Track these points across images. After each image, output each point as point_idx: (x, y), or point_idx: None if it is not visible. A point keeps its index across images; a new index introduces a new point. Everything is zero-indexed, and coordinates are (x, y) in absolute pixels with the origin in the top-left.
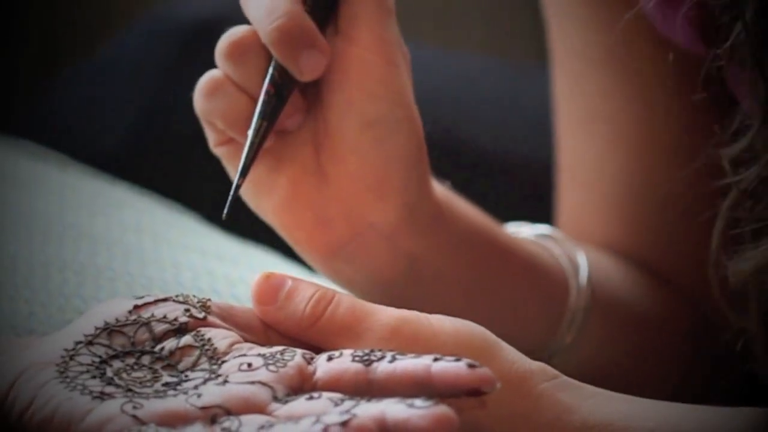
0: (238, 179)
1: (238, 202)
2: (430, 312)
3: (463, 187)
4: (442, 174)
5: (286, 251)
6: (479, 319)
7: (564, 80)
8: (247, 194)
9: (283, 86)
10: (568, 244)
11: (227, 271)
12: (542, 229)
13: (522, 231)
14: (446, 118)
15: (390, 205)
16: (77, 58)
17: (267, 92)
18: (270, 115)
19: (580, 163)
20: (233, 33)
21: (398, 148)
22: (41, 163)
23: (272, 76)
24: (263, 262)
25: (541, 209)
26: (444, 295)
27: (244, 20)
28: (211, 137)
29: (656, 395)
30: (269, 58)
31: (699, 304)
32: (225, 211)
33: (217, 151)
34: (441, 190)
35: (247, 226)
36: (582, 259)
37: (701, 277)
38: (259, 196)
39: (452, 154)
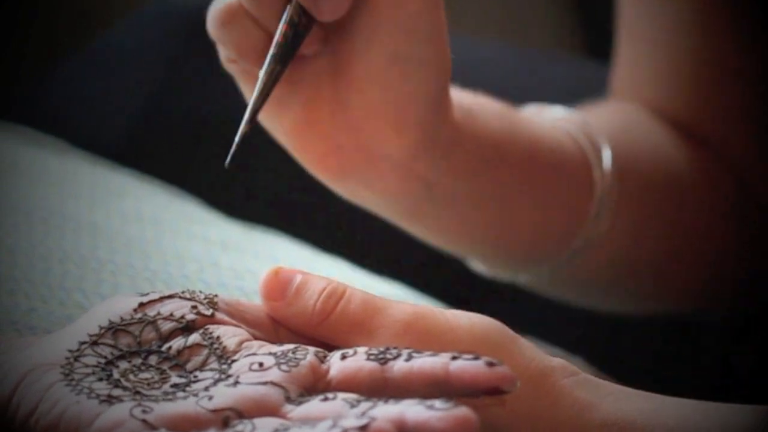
0: (245, 126)
1: (240, 187)
2: (449, 229)
3: None
4: None
5: (293, 234)
6: (501, 230)
7: None
8: (261, 114)
9: (300, 27)
10: (590, 128)
11: (233, 261)
12: (563, 112)
13: (543, 113)
14: None
15: (407, 138)
16: (81, 44)
17: (282, 34)
18: (283, 58)
19: (643, 18)
20: None
21: (424, 85)
22: (39, 149)
23: (289, 15)
24: (270, 248)
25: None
26: (463, 212)
27: None
28: (223, 53)
29: (689, 294)
30: None
31: (745, 177)
32: (228, 158)
33: (229, 67)
34: (459, 104)
35: (252, 211)
36: (605, 148)
37: (751, 148)
38: (273, 116)
39: None
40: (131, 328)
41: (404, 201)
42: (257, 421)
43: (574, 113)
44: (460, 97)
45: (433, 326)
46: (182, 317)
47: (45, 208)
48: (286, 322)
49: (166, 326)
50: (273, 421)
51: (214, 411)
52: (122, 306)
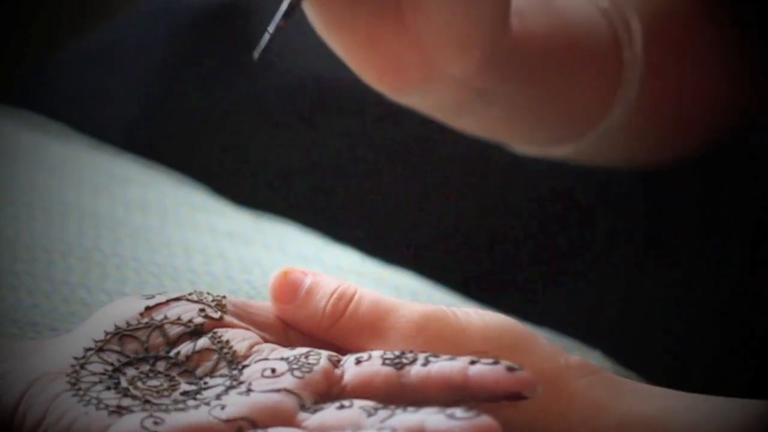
0: (281, 20)
1: (249, 174)
2: (494, 122)
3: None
4: None
5: (302, 223)
6: (543, 117)
7: None
8: (318, 25)
9: None
10: (622, 3)
11: (241, 253)
12: None
13: None
14: None
15: (471, 58)
16: (87, 28)
17: None
18: None
19: None
20: None
21: (489, 7)
22: (41, 134)
23: None
24: (279, 238)
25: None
26: (510, 108)
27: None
28: None
29: (705, 138)
30: None
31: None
32: (257, 51)
33: None
34: (513, 8)
35: (261, 199)
36: (635, 22)
37: None
38: (331, 29)
39: None
40: (138, 333)
41: (456, 106)
42: (272, 430)
43: None
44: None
45: (445, 327)
46: (190, 321)
47: (46, 196)
48: (297, 325)
49: (174, 330)
50: (288, 431)
51: (228, 421)
52: (128, 309)
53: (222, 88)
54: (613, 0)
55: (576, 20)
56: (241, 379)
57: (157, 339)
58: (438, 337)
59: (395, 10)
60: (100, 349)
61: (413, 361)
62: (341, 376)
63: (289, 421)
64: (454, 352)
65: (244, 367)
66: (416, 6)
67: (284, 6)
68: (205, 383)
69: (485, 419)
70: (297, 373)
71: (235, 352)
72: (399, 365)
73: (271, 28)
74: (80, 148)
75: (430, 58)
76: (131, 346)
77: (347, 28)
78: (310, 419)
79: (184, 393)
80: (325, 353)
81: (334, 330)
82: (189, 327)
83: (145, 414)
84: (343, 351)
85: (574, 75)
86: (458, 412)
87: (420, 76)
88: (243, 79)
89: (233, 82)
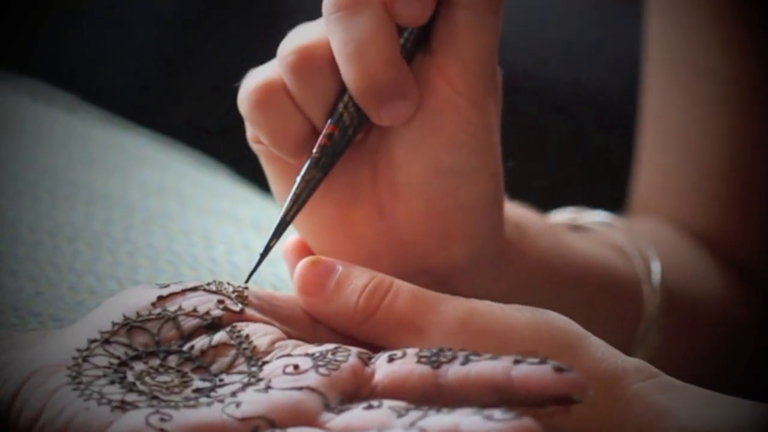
0: (271, 240)
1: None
2: None
3: (544, 129)
4: (522, 116)
5: None
6: None
7: (662, 26)
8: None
9: (351, 129)
10: (639, 239)
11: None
12: (602, 216)
13: (582, 217)
14: (528, 59)
15: (452, 254)
16: None
17: (327, 135)
18: (326, 164)
19: (672, 124)
20: (305, 39)
21: (472, 198)
22: (46, 105)
23: (339, 115)
24: None
25: (624, 153)
26: None
27: None
28: (251, 132)
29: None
30: (341, 81)
31: None
32: (247, 278)
33: (255, 148)
34: (511, 220)
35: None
36: (655, 261)
37: None
38: (300, 213)
39: (533, 96)
40: (148, 325)
41: None
42: (291, 431)
43: (619, 220)
44: (508, 210)
45: (491, 324)
46: (207, 313)
47: (52, 175)
48: (325, 320)
49: (189, 323)
50: None
51: (243, 420)
52: (138, 299)
53: (241, 51)
54: (629, 236)
55: (586, 251)
56: (260, 376)
57: (169, 332)
58: (483, 335)
59: (370, 193)
60: (106, 341)
61: (452, 360)
62: (371, 375)
63: (311, 421)
64: (500, 351)
65: (265, 363)
66: (395, 193)
67: (275, 226)
68: (221, 380)
69: (526, 421)
70: (322, 370)
71: (255, 347)
72: (436, 364)
73: (262, 251)
74: (90, 121)
75: (406, 249)
76: (141, 339)
77: (315, 211)
78: (335, 420)
79: (197, 390)
80: (354, 350)
81: (367, 326)
82: (205, 320)
83: (151, 410)
84: (376, 349)
85: (582, 306)
86: (497, 413)
87: (395, 269)
88: (264, 41)
89: (252, 45)
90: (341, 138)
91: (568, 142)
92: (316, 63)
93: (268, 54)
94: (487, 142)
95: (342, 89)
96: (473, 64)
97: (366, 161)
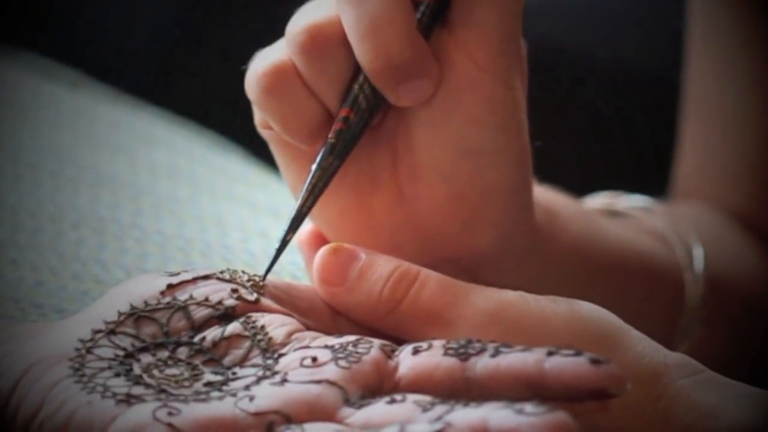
0: (287, 233)
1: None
2: None
3: (578, 107)
4: (546, 86)
5: None
6: None
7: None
8: (296, 193)
9: (368, 112)
10: (680, 224)
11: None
12: (641, 201)
13: (619, 202)
14: (554, 28)
15: (478, 241)
16: None
17: (344, 119)
18: (343, 150)
19: (715, 105)
20: (315, 18)
21: (498, 180)
22: (49, 82)
23: (354, 98)
24: None
25: (666, 134)
26: None
27: None
28: (259, 118)
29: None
30: (355, 62)
31: None
32: (264, 275)
33: (264, 133)
34: (541, 204)
35: None
36: (697, 247)
37: None
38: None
39: (559, 66)
40: (157, 315)
41: None
42: (308, 427)
43: (659, 205)
44: (537, 194)
45: (524, 316)
46: (219, 303)
47: (55, 156)
48: (347, 312)
49: (200, 313)
50: (327, 428)
51: (256, 414)
52: (147, 288)
53: (256, 23)
54: (669, 220)
55: (623, 236)
56: (276, 369)
57: (179, 322)
58: (514, 329)
59: (390, 178)
60: (112, 332)
61: (481, 352)
62: (395, 369)
63: (329, 416)
64: (533, 345)
65: (281, 356)
66: (417, 178)
67: (291, 218)
68: (234, 373)
69: (559, 415)
70: (342, 362)
71: (270, 339)
72: (464, 356)
73: (278, 245)
74: (96, 100)
75: (429, 236)
76: (148, 330)
77: (331, 198)
78: (355, 415)
79: (208, 384)
80: (377, 342)
81: (391, 318)
82: (218, 309)
83: (158, 404)
84: (400, 342)
85: (620, 295)
86: (528, 406)
87: (417, 257)
88: (279, 13)
89: (269, 15)
90: (358, 122)
91: (605, 122)
92: (328, 43)
93: (282, 28)
94: (513, 119)
95: (356, 70)
96: (495, 36)
97: (384, 145)
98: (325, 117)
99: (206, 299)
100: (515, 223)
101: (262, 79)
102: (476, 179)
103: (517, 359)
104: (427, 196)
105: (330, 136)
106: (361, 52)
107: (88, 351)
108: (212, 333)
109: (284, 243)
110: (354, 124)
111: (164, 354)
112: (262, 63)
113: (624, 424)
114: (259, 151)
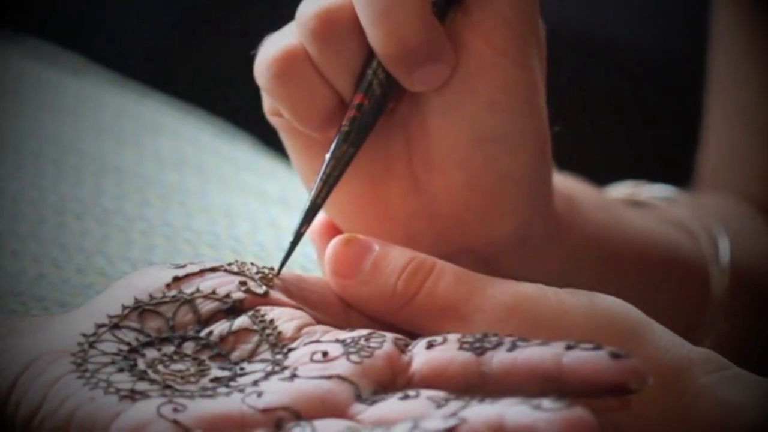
0: (301, 225)
1: None
2: None
3: (599, 92)
4: (567, 72)
5: None
6: None
7: None
8: (308, 183)
9: (383, 98)
10: (705, 215)
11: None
12: (665, 191)
13: (641, 191)
14: (576, 12)
15: (495, 230)
16: None
17: (358, 106)
18: (357, 138)
19: (741, 94)
20: (326, 2)
21: (516, 167)
22: (51, 67)
23: (368, 84)
24: None
25: (691, 122)
26: None
27: None
28: (268, 104)
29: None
30: (368, 46)
31: None
32: (277, 271)
33: (274, 121)
34: (561, 192)
35: None
36: (723, 241)
37: None
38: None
39: (580, 51)
40: (162, 309)
41: None
42: (318, 423)
43: (683, 195)
44: (557, 181)
45: (542, 310)
46: (227, 296)
47: (58, 144)
48: (359, 305)
49: (207, 306)
50: (338, 424)
51: (265, 410)
52: (152, 280)
53: (267, 4)
54: (694, 210)
55: (646, 227)
56: (285, 364)
57: (185, 316)
58: (533, 323)
59: (405, 166)
60: (115, 326)
61: (497, 346)
62: (408, 363)
63: (340, 413)
64: (553, 339)
65: (290, 350)
66: (432, 165)
67: (305, 210)
68: (242, 369)
69: (578, 411)
70: (354, 357)
71: (280, 333)
72: (480, 350)
73: (292, 238)
74: (101, 87)
75: (445, 225)
76: (153, 324)
77: (343, 186)
78: (367, 412)
79: (215, 380)
80: (390, 336)
81: (406, 312)
82: (225, 303)
83: (163, 399)
84: (414, 336)
85: (644, 288)
86: (545, 402)
87: (433, 248)
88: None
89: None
90: (372, 108)
91: (627, 108)
92: (341, 27)
93: (293, 11)
94: (531, 104)
95: (370, 55)
96: (513, 18)
97: (398, 132)
98: (338, 104)
99: (213, 292)
100: (534, 212)
101: (272, 64)
102: (493, 166)
103: (534, 353)
104: (442, 184)
105: (344, 123)
106: (374, 36)
107: (91, 346)
108: (219, 327)
109: (298, 236)
110: (368, 111)
111: (170, 349)
112: (273, 48)
113: (645, 422)
114: (268, 139)
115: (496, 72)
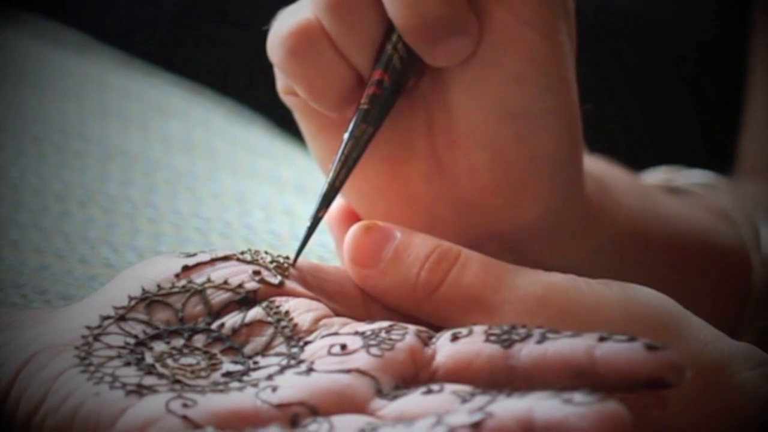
0: (319, 209)
1: None
2: None
3: (634, 71)
4: (598, 50)
5: None
6: None
7: None
8: (325, 167)
9: (403, 74)
10: (746, 202)
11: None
12: (703, 177)
13: (678, 178)
14: None
15: (523, 214)
16: None
17: (378, 83)
18: (377, 116)
19: None
20: None
21: (545, 145)
22: (53, 46)
23: (388, 59)
24: None
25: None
26: None
27: None
28: (282, 83)
29: None
30: (388, 20)
31: None
32: (294, 259)
33: (288, 100)
34: (592, 175)
35: None
36: (766, 229)
37: None
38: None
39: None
40: (171, 300)
41: None
42: (336, 419)
43: (723, 181)
44: (588, 164)
45: (575, 301)
46: (240, 286)
47: (61, 128)
48: (380, 295)
49: (218, 297)
50: (357, 420)
51: (280, 406)
52: (160, 270)
53: None
54: (734, 197)
55: (682, 212)
56: (302, 357)
57: (195, 307)
58: (564, 315)
59: (426, 145)
60: (122, 318)
61: (526, 338)
62: (432, 357)
63: (360, 408)
64: (585, 330)
65: (307, 343)
66: (456, 145)
67: (323, 193)
68: (255, 363)
69: (611, 405)
70: (374, 350)
71: (296, 325)
72: (507, 343)
73: (309, 223)
74: (105, 66)
75: (471, 210)
76: (162, 315)
77: (362, 168)
78: (388, 407)
79: (227, 374)
80: (412, 328)
81: (429, 303)
82: (238, 293)
83: (172, 395)
84: (438, 329)
85: (681, 276)
86: (577, 396)
87: (457, 234)
88: None
89: None
90: (392, 85)
91: (665, 92)
92: (358, 0)
93: None
94: (559, 78)
95: (389, 29)
96: None
97: (419, 110)
98: (356, 81)
99: (225, 282)
100: (564, 195)
101: (286, 40)
102: (520, 145)
103: (565, 345)
104: (466, 164)
105: (363, 101)
106: (393, 8)
107: (96, 339)
108: (232, 319)
109: (316, 221)
110: (388, 88)
111: (179, 342)
112: (287, 23)
113: (683, 420)
114: (283, 121)
115: (521, 44)
